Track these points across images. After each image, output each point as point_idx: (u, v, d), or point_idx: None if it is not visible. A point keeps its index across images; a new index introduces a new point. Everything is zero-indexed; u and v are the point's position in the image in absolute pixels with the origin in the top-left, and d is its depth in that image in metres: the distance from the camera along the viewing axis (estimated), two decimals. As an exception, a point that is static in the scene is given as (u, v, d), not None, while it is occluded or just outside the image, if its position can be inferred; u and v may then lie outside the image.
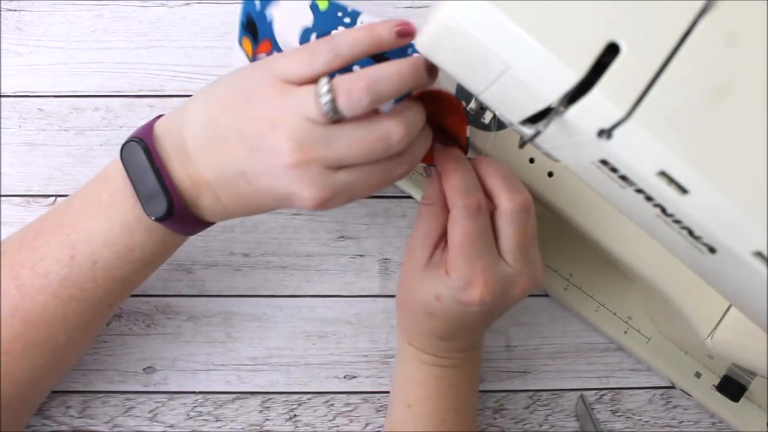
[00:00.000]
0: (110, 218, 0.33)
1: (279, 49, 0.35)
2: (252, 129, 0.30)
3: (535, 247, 0.36)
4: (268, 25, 0.35)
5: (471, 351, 0.39)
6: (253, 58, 0.37)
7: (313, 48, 0.29)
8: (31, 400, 0.38)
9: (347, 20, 0.34)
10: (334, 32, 0.34)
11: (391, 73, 0.28)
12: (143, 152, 0.32)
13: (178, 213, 0.32)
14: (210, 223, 0.35)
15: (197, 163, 0.32)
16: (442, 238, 0.36)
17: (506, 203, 0.34)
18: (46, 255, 0.34)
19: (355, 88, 0.28)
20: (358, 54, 0.29)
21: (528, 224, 0.35)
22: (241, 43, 0.37)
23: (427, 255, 0.35)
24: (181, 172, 0.32)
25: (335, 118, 0.29)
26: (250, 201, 0.32)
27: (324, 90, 0.28)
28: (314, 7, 0.34)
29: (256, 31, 0.36)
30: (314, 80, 0.29)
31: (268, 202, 0.32)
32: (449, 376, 0.39)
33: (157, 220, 0.32)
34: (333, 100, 0.28)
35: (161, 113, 0.35)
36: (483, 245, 0.34)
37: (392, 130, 0.29)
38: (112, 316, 0.39)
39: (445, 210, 0.35)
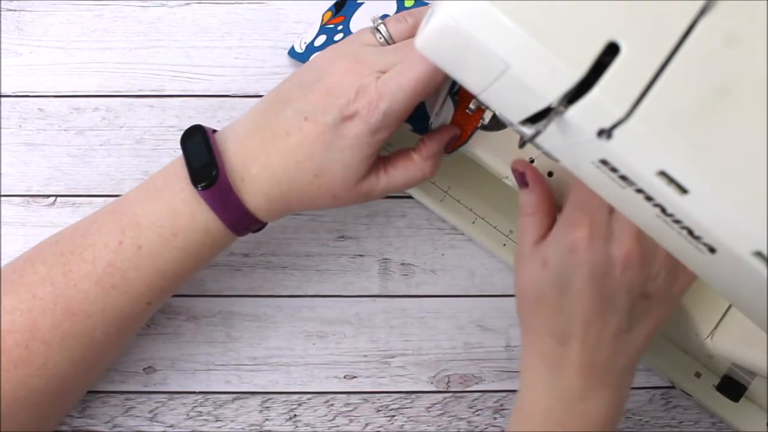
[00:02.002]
0: (160, 200, 0.35)
1: (348, 24, 0.42)
2: (314, 74, 0.34)
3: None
4: (355, 7, 0.41)
5: (597, 381, 0.32)
6: (323, 27, 0.43)
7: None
8: (61, 403, 0.38)
9: None
10: None
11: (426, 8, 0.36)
12: (200, 131, 0.35)
13: (222, 185, 0.34)
14: (252, 218, 0.35)
15: (258, 129, 0.35)
16: (548, 229, 0.35)
17: None
18: (96, 241, 0.35)
19: (401, 16, 0.35)
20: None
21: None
22: (323, 15, 0.43)
23: (532, 241, 0.35)
24: (236, 147, 0.35)
25: (387, 43, 0.35)
26: (302, 152, 0.33)
27: (378, 20, 0.35)
28: (400, 2, 0.41)
29: (342, 8, 0.42)
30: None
31: (322, 145, 0.33)
32: (558, 413, 0.33)
33: (203, 188, 0.33)
34: (385, 26, 0.35)
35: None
36: (599, 204, 0.32)
37: None
38: (148, 319, 0.39)
39: (549, 216, 0.35)
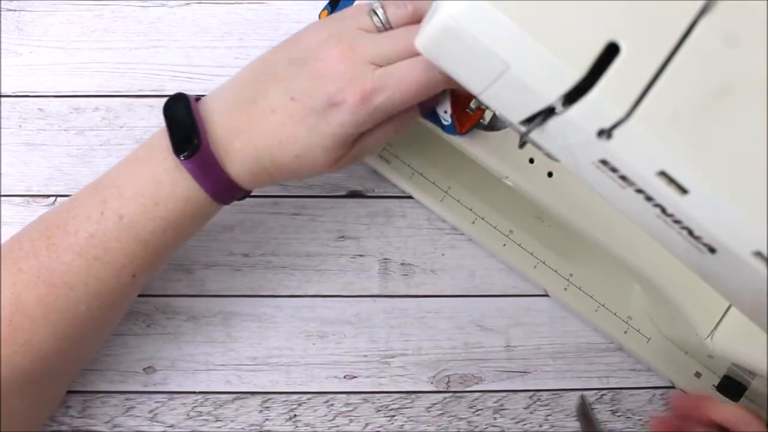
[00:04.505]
0: (141, 171, 0.34)
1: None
2: (304, 51, 0.33)
3: None
4: (348, 4, 0.40)
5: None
6: None
7: None
8: (51, 383, 0.38)
9: None
10: None
11: None
12: (183, 100, 0.35)
13: (204, 156, 0.33)
14: (235, 187, 0.35)
15: (243, 102, 0.34)
16: None
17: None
18: (79, 214, 0.34)
19: (401, 2, 0.34)
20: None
21: None
22: (320, 15, 0.42)
23: None
24: (220, 118, 0.34)
25: (385, 29, 0.33)
26: (286, 132, 0.33)
27: (377, 4, 0.34)
28: None
29: (336, 5, 0.41)
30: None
31: (306, 128, 0.33)
32: None
33: (186, 158, 0.33)
34: (384, 12, 0.33)
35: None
36: None
37: None
38: (135, 296, 0.39)
39: None
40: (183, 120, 0.34)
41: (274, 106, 0.33)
